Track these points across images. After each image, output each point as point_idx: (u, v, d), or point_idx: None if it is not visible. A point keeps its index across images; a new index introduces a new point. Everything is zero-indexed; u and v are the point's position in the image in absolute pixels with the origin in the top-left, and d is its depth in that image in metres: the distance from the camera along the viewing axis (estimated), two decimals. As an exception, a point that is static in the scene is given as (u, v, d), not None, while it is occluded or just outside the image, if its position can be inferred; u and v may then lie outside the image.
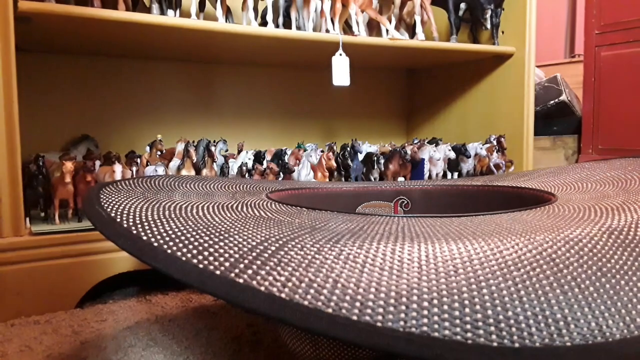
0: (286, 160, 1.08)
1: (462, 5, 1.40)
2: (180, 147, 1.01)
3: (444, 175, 1.25)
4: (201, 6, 1.08)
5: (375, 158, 1.16)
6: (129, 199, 0.47)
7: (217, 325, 0.72)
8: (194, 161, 0.99)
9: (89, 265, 0.81)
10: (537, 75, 2.02)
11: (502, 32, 1.37)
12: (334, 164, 1.08)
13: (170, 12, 1.01)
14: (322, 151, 1.12)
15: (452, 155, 1.23)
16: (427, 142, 1.33)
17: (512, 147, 1.34)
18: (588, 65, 1.96)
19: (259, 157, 1.09)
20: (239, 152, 1.17)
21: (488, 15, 1.32)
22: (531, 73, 1.33)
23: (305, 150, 1.14)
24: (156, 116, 1.31)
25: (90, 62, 1.22)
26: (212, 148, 1.02)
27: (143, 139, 1.22)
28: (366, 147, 1.24)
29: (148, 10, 0.99)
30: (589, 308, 0.28)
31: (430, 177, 1.22)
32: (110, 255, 0.83)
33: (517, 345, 0.25)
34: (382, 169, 1.18)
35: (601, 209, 0.46)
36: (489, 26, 1.33)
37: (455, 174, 1.26)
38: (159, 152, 1.04)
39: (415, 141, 1.39)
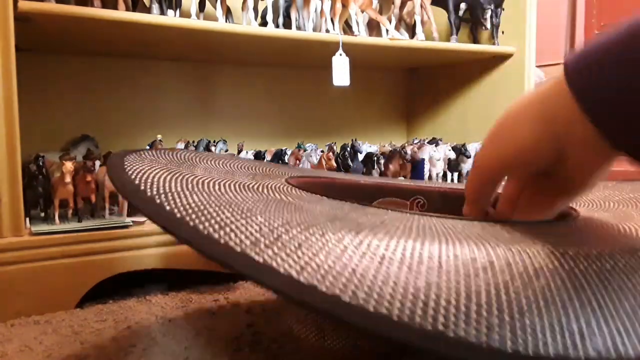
0: (286, 160, 1.08)
1: (462, 5, 1.40)
2: (180, 147, 1.01)
3: (444, 175, 1.25)
4: (201, 6, 1.08)
5: (375, 158, 1.16)
6: (152, 169, 0.47)
7: (217, 325, 0.72)
8: (194, 161, 0.99)
9: (89, 265, 0.81)
10: (537, 75, 2.02)
11: (502, 32, 1.37)
12: (334, 164, 1.08)
13: (170, 12, 1.01)
14: (322, 151, 1.12)
15: (452, 155, 1.23)
16: (427, 142, 1.33)
17: (512, 147, 1.33)
18: (588, 65, 1.96)
19: (259, 157, 1.09)
20: (239, 152, 1.18)
21: (488, 15, 1.32)
22: (531, 73, 1.33)
23: (305, 150, 1.14)
24: (156, 116, 1.31)
25: (90, 62, 1.22)
26: (212, 148, 1.02)
27: (143, 139, 1.22)
28: (366, 147, 1.24)
29: (148, 10, 0.99)
30: (606, 325, 0.28)
31: (430, 177, 1.22)
32: (110, 255, 0.83)
33: (530, 353, 0.25)
34: (382, 169, 1.18)
35: (624, 229, 0.46)
36: (489, 26, 1.33)
37: (456, 174, 1.26)
38: (159, 152, 1.04)
39: (415, 141, 1.39)
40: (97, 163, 0.94)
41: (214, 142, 1.06)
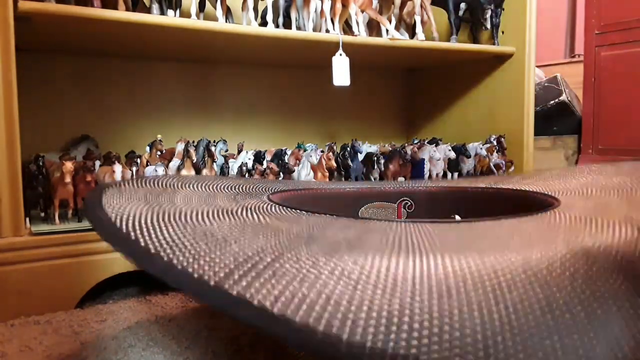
0: (286, 161, 1.08)
1: (462, 5, 1.40)
2: (180, 147, 1.01)
3: (444, 176, 1.25)
4: (201, 6, 1.08)
5: (375, 158, 1.16)
6: (130, 202, 0.47)
7: (217, 325, 0.72)
8: (194, 161, 0.99)
9: (89, 265, 0.81)
10: (537, 75, 2.02)
11: (502, 32, 1.37)
12: (334, 164, 1.08)
13: (170, 12, 1.01)
14: (322, 151, 1.12)
15: (452, 155, 1.23)
16: (427, 142, 1.33)
17: (512, 147, 1.34)
18: (588, 65, 1.96)
19: (259, 157, 1.09)
20: (239, 152, 1.17)
21: (488, 15, 1.32)
22: (531, 73, 1.33)
23: (305, 150, 1.14)
24: (156, 116, 1.31)
25: (90, 62, 1.22)
26: (212, 148, 1.02)
27: (143, 139, 1.22)
28: (366, 147, 1.24)
29: (148, 10, 0.99)
30: (579, 335, 0.28)
31: (430, 177, 1.22)
32: (110, 255, 0.83)
33: None
34: (382, 169, 1.18)
35: (602, 222, 0.45)
36: (489, 26, 1.33)
37: (456, 174, 1.26)
38: (159, 152, 1.04)
39: (415, 141, 1.39)
40: (97, 163, 0.94)
41: (214, 142, 1.06)
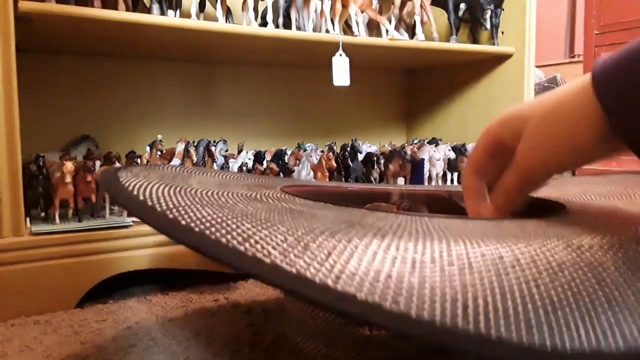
0: (286, 161, 1.08)
1: (462, 6, 1.40)
2: (180, 147, 1.01)
3: (444, 176, 1.25)
4: (201, 6, 1.08)
5: (375, 158, 1.16)
6: (150, 183, 0.45)
7: (217, 325, 0.72)
8: (194, 161, 0.99)
9: (89, 265, 0.81)
10: (537, 76, 2.02)
11: (502, 33, 1.37)
12: (334, 164, 1.08)
13: (170, 12, 1.01)
14: (322, 151, 1.12)
15: (452, 155, 1.23)
16: (427, 142, 1.33)
17: (512, 147, 1.33)
18: (588, 65, 1.96)
19: (259, 157, 1.09)
20: (239, 152, 1.17)
21: (488, 16, 1.32)
22: (531, 73, 1.33)
23: (305, 150, 1.14)
24: (156, 116, 1.31)
25: (90, 62, 1.22)
26: (212, 148, 1.02)
27: (143, 139, 1.22)
28: (366, 147, 1.24)
29: (148, 10, 0.99)
30: (629, 312, 0.29)
31: (430, 177, 1.22)
32: (110, 255, 0.83)
33: (568, 349, 0.26)
34: (382, 169, 1.18)
35: (620, 222, 0.46)
36: (488, 26, 1.33)
37: (455, 174, 1.26)
38: (159, 152, 1.04)
39: (415, 141, 1.39)
40: (97, 163, 0.94)
41: (214, 142, 1.06)
